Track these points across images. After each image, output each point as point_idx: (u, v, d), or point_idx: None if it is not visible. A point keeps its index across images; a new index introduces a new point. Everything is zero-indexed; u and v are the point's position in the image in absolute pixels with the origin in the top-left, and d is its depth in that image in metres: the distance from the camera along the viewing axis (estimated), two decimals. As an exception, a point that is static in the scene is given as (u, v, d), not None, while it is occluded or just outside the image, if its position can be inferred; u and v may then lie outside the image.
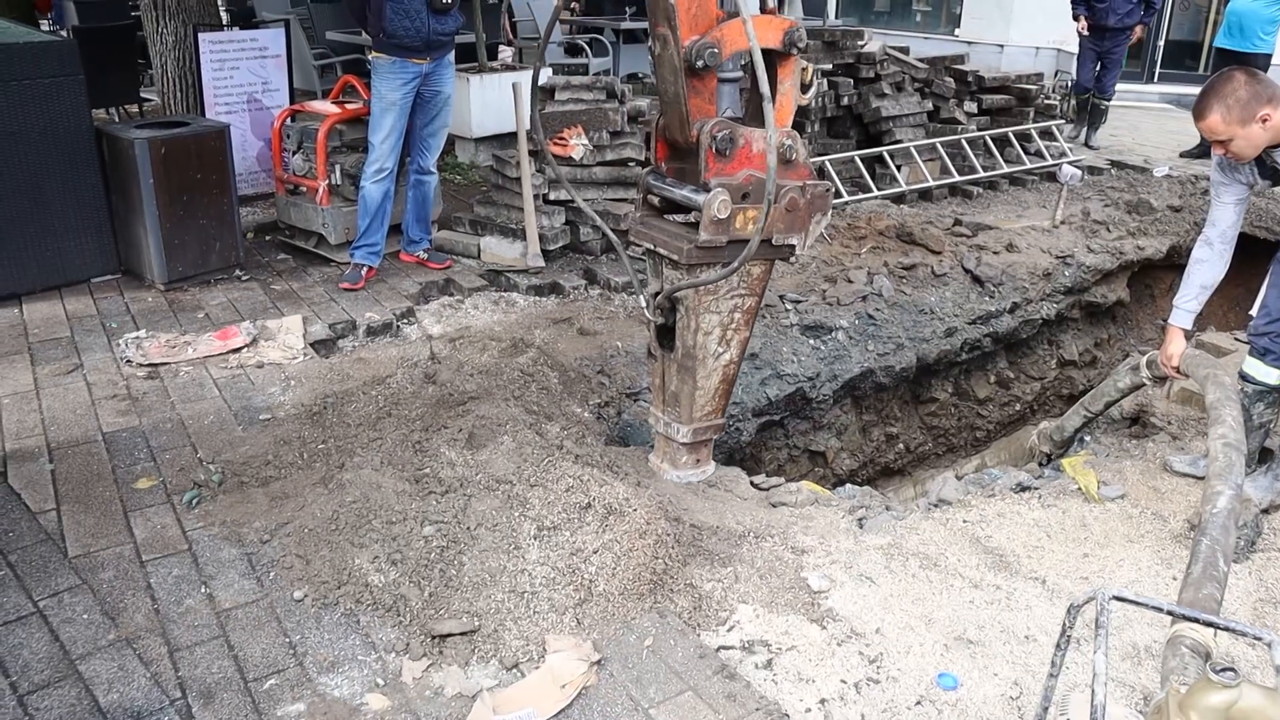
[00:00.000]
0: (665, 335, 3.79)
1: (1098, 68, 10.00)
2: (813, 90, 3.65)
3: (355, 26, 6.10)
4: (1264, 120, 3.38)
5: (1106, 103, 10.19)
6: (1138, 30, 9.91)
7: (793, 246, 3.65)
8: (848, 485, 4.59)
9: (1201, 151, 9.33)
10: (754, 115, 3.48)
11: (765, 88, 2.97)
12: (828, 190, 3.65)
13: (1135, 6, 9.63)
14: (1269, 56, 9.49)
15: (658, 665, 2.88)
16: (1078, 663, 2.93)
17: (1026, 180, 8.96)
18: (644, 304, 3.78)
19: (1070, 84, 11.50)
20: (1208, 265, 3.86)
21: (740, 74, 3.50)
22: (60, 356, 4.73)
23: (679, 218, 3.67)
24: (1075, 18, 9.86)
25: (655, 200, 3.71)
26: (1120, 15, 9.59)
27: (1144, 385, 4.40)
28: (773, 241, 3.57)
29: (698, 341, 3.67)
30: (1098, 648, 1.84)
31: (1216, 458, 3.26)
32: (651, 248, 3.63)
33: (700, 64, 3.23)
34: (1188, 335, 4.10)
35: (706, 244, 3.42)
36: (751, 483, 4.20)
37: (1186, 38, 14.08)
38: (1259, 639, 1.89)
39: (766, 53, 3.35)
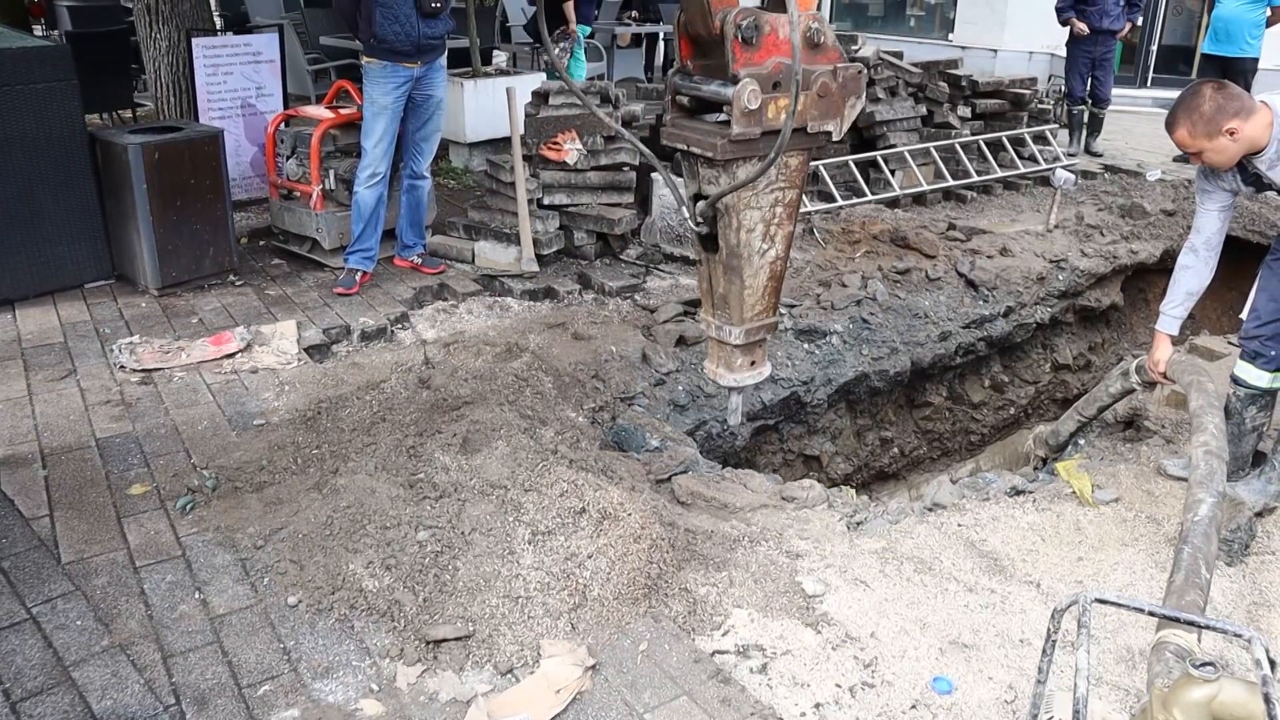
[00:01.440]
0: (708, 239, 3.69)
1: (1089, 75, 9.97)
2: None
3: (348, 31, 6.10)
4: (1231, 133, 3.38)
5: (1104, 110, 10.16)
6: (1127, 28, 9.89)
7: (829, 133, 3.52)
8: (842, 488, 4.59)
9: (1193, 156, 9.34)
10: (776, 2, 3.33)
11: None
12: (860, 72, 3.52)
13: (1122, 9, 9.64)
14: (1256, 60, 9.51)
15: (652, 670, 2.88)
16: (1071, 667, 2.94)
17: (1020, 184, 8.98)
18: (685, 213, 3.66)
19: (1060, 92, 11.49)
20: (1193, 272, 3.87)
21: None
22: (54, 362, 4.72)
23: (711, 116, 3.53)
24: (1064, 23, 9.78)
25: (685, 101, 3.57)
26: (1112, 17, 9.59)
27: (1134, 391, 4.41)
28: (807, 130, 3.45)
29: (741, 239, 3.55)
30: (1080, 645, 1.85)
31: (1198, 466, 3.28)
32: (685, 148, 3.51)
33: None
34: (1176, 341, 4.11)
35: (739, 137, 3.28)
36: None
37: (1179, 42, 14.14)
38: (1239, 635, 1.90)
39: None
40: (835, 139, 3.55)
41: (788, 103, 3.25)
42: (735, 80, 3.23)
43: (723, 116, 3.40)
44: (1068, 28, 9.81)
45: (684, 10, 3.37)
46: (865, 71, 3.51)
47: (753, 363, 3.89)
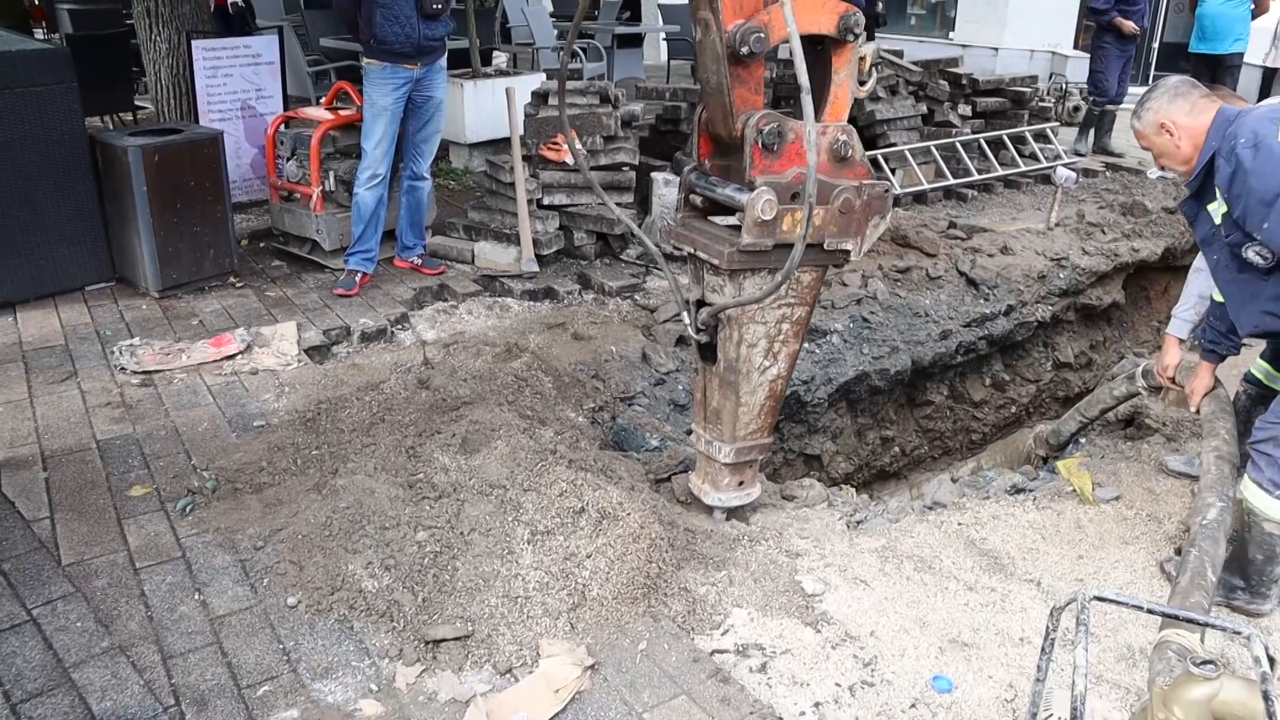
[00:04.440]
0: (707, 348, 3.54)
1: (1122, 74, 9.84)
2: (871, 82, 3.32)
3: (349, 33, 6.09)
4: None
5: (1119, 106, 10.09)
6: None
7: (847, 252, 3.35)
8: (843, 487, 4.59)
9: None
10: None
11: (804, 78, 2.70)
12: (886, 191, 3.38)
13: (1146, 7, 9.60)
14: (1241, 55, 9.50)
15: (652, 669, 2.88)
16: (1071, 666, 2.93)
17: (1021, 183, 8.97)
18: (685, 319, 3.50)
19: (1072, 89, 11.38)
20: (1205, 275, 3.85)
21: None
22: (54, 365, 4.72)
23: (725, 220, 3.38)
24: (1109, 24, 9.45)
25: (698, 200, 3.45)
26: (1142, 15, 9.55)
27: (1139, 395, 4.39)
28: (824, 246, 3.29)
29: (741, 354, 3.40)
30: (1078, 643, 1.85)
31: (1209, 470, 3.27)
32: (692, 251, 3.37)
33: (745, 51, 2.98)
34: (1196, 349, 4.07)
35: (750, 248, 3.15)
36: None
37: (1180, 40, 14.14)
38: (1238, 633, 1.90)
39: (820, 39, 3.14)
40: (854, 259, 3.39)
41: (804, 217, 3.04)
42: (752, 187, 3.09)
43: (735, 221, 3.24)
44: (1110, 29, 9.53)
45: (705, 108, 3.24)
46: (891, 191, 3.33)
47: (741, 483, 3.76)
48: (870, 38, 10.54)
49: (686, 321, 3.49)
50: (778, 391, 3.56)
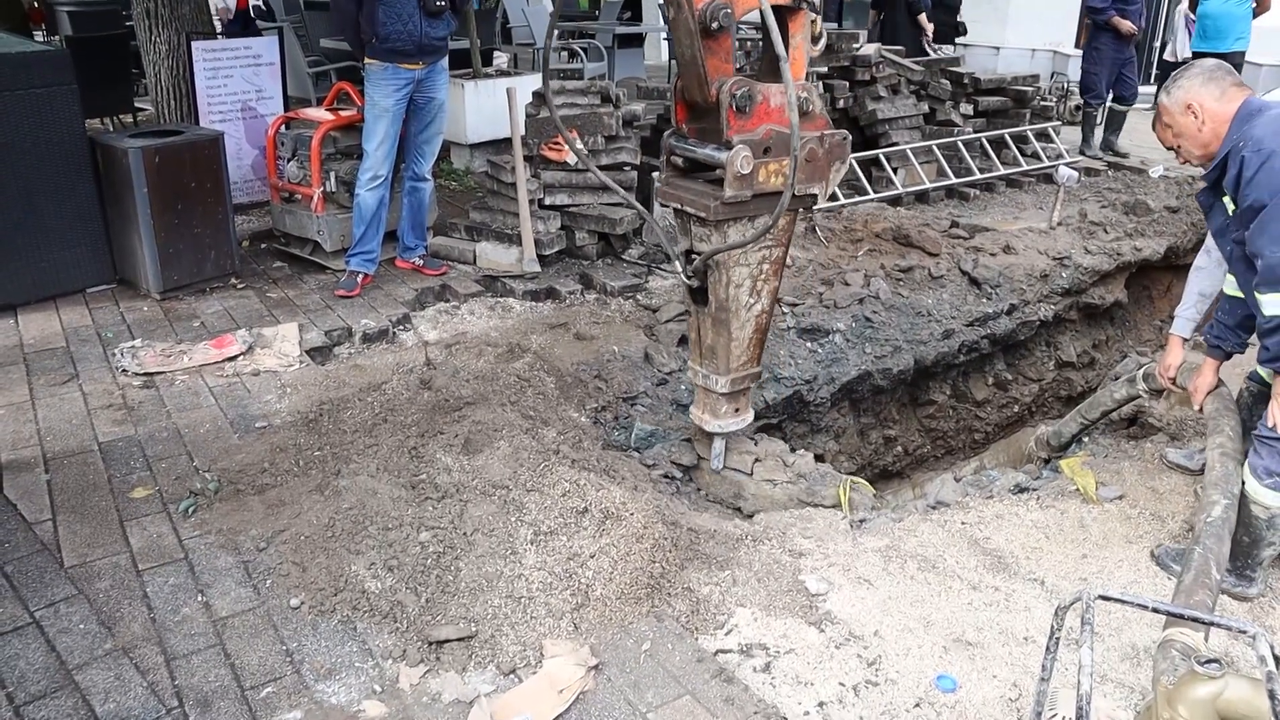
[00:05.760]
0: (698, 291, 3.92)
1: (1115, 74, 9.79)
2: (823, 41, 3.74)
3: (345, 38, 6.02)
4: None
5: (1129, 107, 10.03)
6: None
7: (814, 196, 3.77)
8: (858, 483, 4.58)
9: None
10: (769, 70, 3.57)
11: (780, 48, 3.03)
12: (845, 139, 3.76)
13: (1142, 7, 9.56)
14: (1243, 54, 9.47)
15: (655, 669, 2.87)
16: (1076, 665, 2.92)
17: (1023, 182, 8.96)
18: (678, 266, 3.89)
19: (1073, 88, 11.35)
20: (1205, 273, 3.85)
21: None
22: (56, 367, 4.72)
23: (704, 176, 3.77)
24: (1105, 24, 9.38)
25: (679, 161, 3.81)
26: (1139, 15, 9.52)
27: (1140, 397, 4.37)
28: (795, 192, 3.62)
29: (729, 294, 3.78)
30: (1083, 642, 1.85)
31: (1214, 467, 3.26)
32: (679, 207, 3.74)
33: (715, 25, 3.30)
34: (1201, 347, 4.05)
35: (732, 200, 3.53)
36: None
37: (1181, 39, 14.12)
38: (1243, 631, 1.89)
39: (776, 9, 3.42)
40: (821, 202, 3.86)
41: (778, 167, 3.58)
42: (729, 146, 3.47)
43: (715, 176, 3.65)
44: (1107, 29, 9.46)
45: (681, 76, 3.60)
46: (849, 138, 3.82)
47: (737, 409, 4.17)
48: (944, 43, 11.14)
49: (679, 269, 3.89)
50: (763, 325, 3.99)
